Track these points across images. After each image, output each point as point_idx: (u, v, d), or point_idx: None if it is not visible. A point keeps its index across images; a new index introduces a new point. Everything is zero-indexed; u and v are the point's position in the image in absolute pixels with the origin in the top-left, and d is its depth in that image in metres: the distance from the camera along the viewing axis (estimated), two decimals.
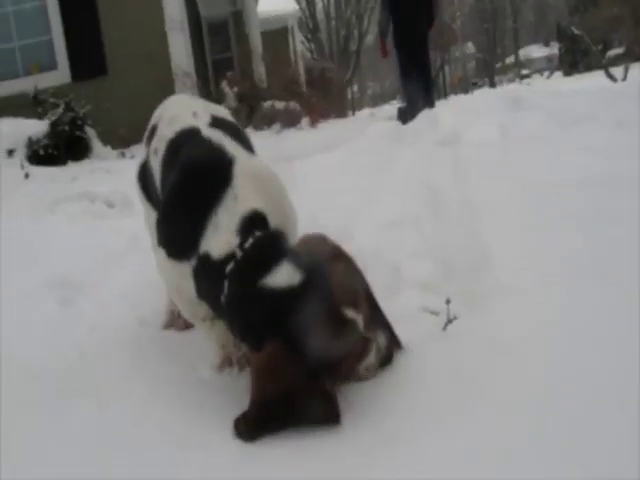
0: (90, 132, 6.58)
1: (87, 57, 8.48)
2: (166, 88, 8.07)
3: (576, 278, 1.69)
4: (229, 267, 1.33)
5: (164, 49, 8.82)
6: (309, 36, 31.91)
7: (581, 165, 2.82)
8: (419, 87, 6.60)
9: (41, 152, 5.82)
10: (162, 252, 1.50)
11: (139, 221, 2.07)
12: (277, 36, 18.96)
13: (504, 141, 3.99)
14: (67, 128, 6.19)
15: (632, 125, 3.87)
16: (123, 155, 6.58)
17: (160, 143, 1.65)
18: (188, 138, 1.56)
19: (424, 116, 6.00)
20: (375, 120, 7.61)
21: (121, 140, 6.82)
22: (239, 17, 15.29)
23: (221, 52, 16.25)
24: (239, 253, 1.32)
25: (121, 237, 2.62)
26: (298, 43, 23.48)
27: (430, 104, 6.74)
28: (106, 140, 6.93)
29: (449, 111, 5.97)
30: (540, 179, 2.68)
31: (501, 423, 1.17)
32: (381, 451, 1.17)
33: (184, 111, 1.69)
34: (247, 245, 1.32)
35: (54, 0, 8.31)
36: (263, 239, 1.33)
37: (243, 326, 1.34)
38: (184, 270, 1.42)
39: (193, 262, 1.39)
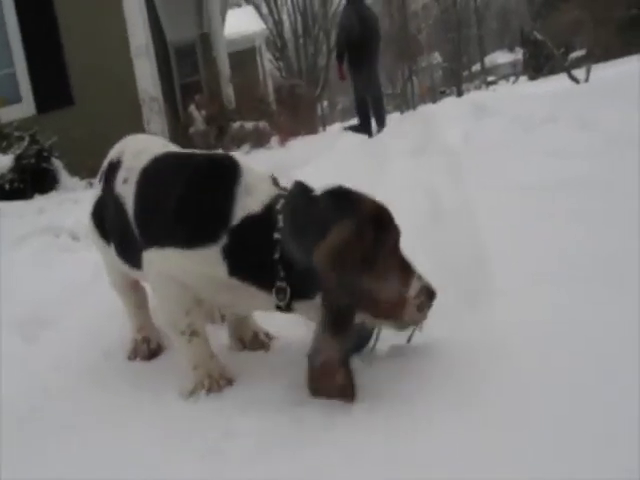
0: (57, 163, 6.50)
1: (52, 88, 8.42)
2: (134, 114, 8.05)
3: (565, 278, 1.68)
4: (280, 205, 1.45)
5: (130, 75, 8.79)
6: (277, 54, 32.13)
7: (543, 168, 2.84)
8: (372, 107, 8.01)
9: (7, 186, 5.74)
10: (171, 252, 1.51)
11: None
12: (245, 56, 19.07)
13: (468, 148, 4.02)
14: (33, 161, 6.11)
15: (594, 125, 3.93)
16: (91, 185, 6.51)
17: (130, 174, 1.71)
18: (169, 159, 1.70)
19: (391, 128, 6.04)
20: (344, 135, 7.64)
21: (89, 170, 6.75)
22: (206, 39, 15.35)
23: (189, 75, 16.30)
24: (282, 198, 1.47)
25: (85, 269, 2.57)
26: (266, 62, 23.62)
27: (382, 123, 7.89)
28: (74, 171, 6.85)
29: (415, 121, 6.03)
30: (503, 184, 2.69)
31: (498, 423, 1.17)
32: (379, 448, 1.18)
33: (151, 145, 1.82)
34: (288, 190, 1.49)
35: (16, 32, 8.26)
36: (298, 183, 1.50)
37: (310, 243, 1.38)
38: (207, 256, 1.46)
39: (223, 241, 1.45)
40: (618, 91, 5.78)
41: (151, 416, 1.51)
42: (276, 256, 1.43)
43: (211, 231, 1.47)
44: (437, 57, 42.31)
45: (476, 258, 1.99)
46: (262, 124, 9.14)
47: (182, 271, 1.53)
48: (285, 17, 33.06)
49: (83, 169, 6.88)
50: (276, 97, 15.44)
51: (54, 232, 3.30)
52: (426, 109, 8.23)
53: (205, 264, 1.48)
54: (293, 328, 1.81)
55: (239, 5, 27.41)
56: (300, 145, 8.02)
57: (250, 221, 1.46)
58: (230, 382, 1.59)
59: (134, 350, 1.92)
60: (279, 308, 1.48)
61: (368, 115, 8.25)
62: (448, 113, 5.74)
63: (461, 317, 1.65)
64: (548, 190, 2.46)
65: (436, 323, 1.55)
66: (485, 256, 1.99)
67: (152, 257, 1.56)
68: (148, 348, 1.91)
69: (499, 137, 4.13)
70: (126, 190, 1.69)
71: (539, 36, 16.53)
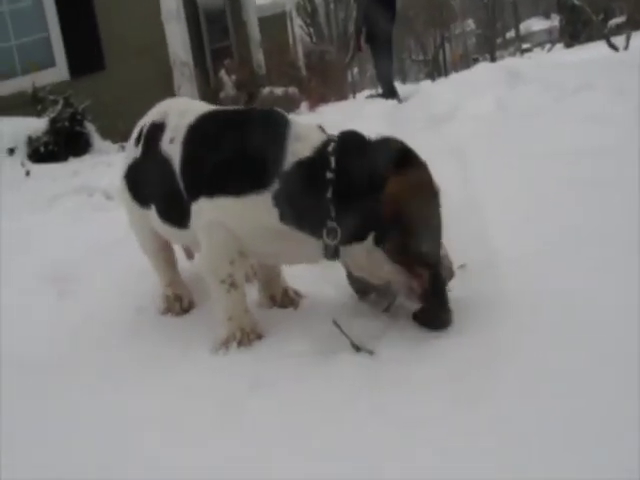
0: (90, 127, 6.57)
1: (85, 53, 8.46)
2: (164, 79, 8.06)
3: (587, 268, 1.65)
4: (331, 147, 1.50)
5: (161, 40, 8.78)
6: (308, 20, 31.64)
7: (575, 136, 2.79)
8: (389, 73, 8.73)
9: (42, 149, 5.83)
10: (222, 200, 1.55)
11: None
12: (275, 22, 18.81)
13: (500, 115, 3.96)
14: (67, 124, 6.19)
15: (632, 93, 3.83)
16: (123, 148, 6.58)
17: (177, 132, 1.73)
18: (215, 115, 1.75)
19: (422, 93, 5.96)
20: (372, 101, 7.56)
21: (121, 133, 6.81)
22: (237, 4, 15.18)
23: (219, 41, 16.14)
24: (332, 142, 1.52)
25: (118, 228, 2.62)
26: (297, 28, 23.29)
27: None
28: (106, 134, 6.92)
29: (447, 87, 5.93)
30: (535, 151, 2.66)
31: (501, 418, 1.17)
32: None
33: (194, 105, 1.87)
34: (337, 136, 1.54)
35: None
36: (348, 130, 1.57)
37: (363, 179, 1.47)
38: (258, 202, 1.51)
39: (274, 187, 1.50)
40: None
41: (179, 368, 1.56)
42: (328, 195, 1.47)
43: (261, 177, 1.52)
44: (470, 24, 41.19)
45: (493, 225, 1.98)
46: (292, 90, 9.08)
47: (233, 219, 1.57)
48: None
49: (115, 133, 6.94)
50: (306, 63, 15.28)
51: (87, 192, 3.37)
52: (459, 76, 8.08)
53: (256, 211, 1.52)
54: (320, 288, 1.85)
55: None
56: (330, 111, 7.96)
57: (301, 164, 1.51)
58: (259, 337, 1.64)
59: (167, 306, 1.97)
60: (326, 254, 1.52)
61: (391, 82, 8.75)
62: (480, 79, 5.62)
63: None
64: (576, 157, 2.42)
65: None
66: (504, 223, 1.98)
67: (202, 206, 1.60)
68: (181, 305, 1.96)
69: (532, 104, 4.06)
70: (173, 149, 1.72)
71: (576, 1, 15.97)
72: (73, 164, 5.41)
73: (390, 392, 1.30)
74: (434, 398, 1.24)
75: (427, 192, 1.47)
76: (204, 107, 1.82)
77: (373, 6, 8.17)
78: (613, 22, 18.00)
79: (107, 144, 6.75)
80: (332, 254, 1.52)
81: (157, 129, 1.81)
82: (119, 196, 2.02)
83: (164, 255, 2.02)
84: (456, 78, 7.84)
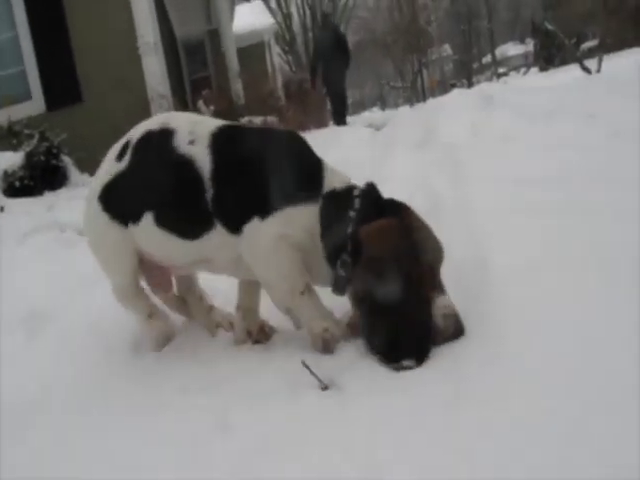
0: (66, 160, 6.54)
1: (61, 85, 8.47)
2: (142, 111, 8.07)
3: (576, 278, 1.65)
4: (356, 192, 1.63)
5: (139, 72, 8.81)
6: (286, 49, 32.04)
7: (544, 161, 2.82)
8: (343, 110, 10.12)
9: (17, 184, 5.77)
10: (290, 211, 1.58)
11: None
12: (254, 51, 19.04)
13: (474, 140, 4.00)
14: (42, 158, 6.14)
15: (602, 117, 3.89)
16: None
17: (196, 135, 1.71)
18: (241, 130, 1.80)
19: (399, 120, 6.02)
20: (352, 129, 7.63)
21: (98, 166, 6.79)
22: (215, 35, 15.35)
23: (198, 71, 16.32)
24: (356, 188, 1.66)
25: (90, 264, 2.58)
26: (275, 56, 23.57)
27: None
28: (83, 167, 6.89)
29: (423, 113, 5.99)
30: (502, 177, 2.67)
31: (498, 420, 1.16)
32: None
33: (194, 116, 1.88)
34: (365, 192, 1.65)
35: (26, 30, 8.31)
36: (371, 183, 1.70)
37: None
38: (314, 213, 1.60)
39: (320, 203, 1.62)
40: (629, 82, 5.71)
41: (146, 411, 1.53)
42: (349, 230, 1.58)
43: (316, 191, 1.62)
44: (447, 49, 41.98)
45: (473, 250, 1.98)
46: (270, 119, 9.13)
47: (297, 231, 1.60)
48: (294, 11, 32.96)
49: (92, 165, 6.91)
50: (285, 91, 15.40)
51: (60, 228, 3.32)
52: (435, 102, 8.19)
53: (310, 222, 1.61)
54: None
55: (248, 0, 27.37)
56: (309, 139, 8.00)
57: (335, 194, 1.63)
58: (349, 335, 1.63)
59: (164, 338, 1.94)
60: (336, 285, 1.60)
61: (344, 118, 10.28)
62: (456, 105, 5.69)
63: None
64: (543, 183, 2.44)
65: None
66: (482, 248, 1.97)
67: (259, 226, 1.59)
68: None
69: (505, 129, 4.10)
70: (196, 150, 1.69)
71: (550, 26, 16.33)
72: (49, 198, 5.37)
73: (360, 431, 1.27)
74: (405, 433, 1.21)
75: (390, 267, 1.49)
76: (206, 118, 1.87)
77: (327, 50, 9.30)
78: (586, 46, 18.42)
79: (84, 177, 6.70)
80: (342, 288, 1.61)
81: (159, 135, 1.76)
82: (88, 224, 1.93)
83: (139, 286, 1.94)
84: (433, 104, 7.95)
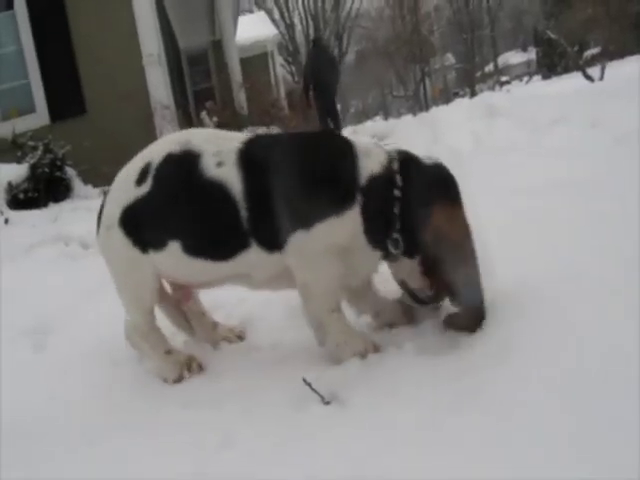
0: (70, 172, 6.57)
1: (65, 98, 8.51)
2: (146, 122, 8.10)
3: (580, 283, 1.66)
4: (395, 166, 1.62)
5: (142, 84, 8.85)
6: (289, 59, 32.22)
7: (547, 170, 2.82)
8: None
9: (21, 196, 5.80)
10: (327, 223, 1.58)
11: None
12: (257, 62, 19.14)
13: (477, 149, 4.00)
14: (47, 170, 6.17)
15: (604, 125, 3.90)
16: (105, 193, 6.57)
17: (223, 156, 1.66)
18: (267, 141, 1.77)
19: (401, 129, 6.03)
20: (355, 139, 7.63)
21: (103, 177, 6.81)
22: (218, 46, 15.43)
23: (202, 82, 16.41)
24: (394, 160, 1.64)
25: (93, 277, 2.59)
26: (279, 67, 23.67)
27: None
28: (87, 179, 6.92)
29: (425, 123, 6.01)
30: (504, 186, 2.67)
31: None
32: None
33: (215, 132, 1.82)
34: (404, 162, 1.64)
35: (30, 43, 8.37)
36: (403, 150, 1.71)
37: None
38: (353, 217, 1.59)
39: (359, 201, 1.59)
40: (631, 90, 5.72)
41: (152, 426, 1.52)
42: (396, 210, 1.60)
43: (351, 193, 1.60)
44: (450, 58, 42.11)
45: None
46: (274, 129, 9.17)
47: (339, 239, 1.60)
48: (297, 21, 33.16)
49: (96, 177, 6.94)
50: (288, 101, 15.47)
51: (64, 241, 3.34)
52: (438, 111, 8.21)
53: (350, 225, 1.60)
54: (295, 335, 1.83)
55: (251, 11, 27.52)
56: None
57: (375, 180, 1.61)
58: (378, 349, 1.66)
59: (180, 373, 1.80)
60: (387, 258, 1.66)
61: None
62: (458, 115, 5.71)
63: None
64: (547, 192, 2.44)
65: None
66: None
67: (302, 239, 1.58)
68: (192, 366, 1.83)
69: (507, 139, 4.11)
70: (225, 173, 1.64)
71: (552, 35, 16.39)
72: (53, 210, 5.39)
73: (363, 445, 1.26)
74: (408, 448, 1.21)
75: (461, 229, 1.61)
76: (224, 132, 1.80)
77: (320, 69, 9.85)
78: (588, 53, 18.44)
79: (88, 189, 6.73)
80: (388, 259, 1.68)
81: (183, 159, 1.70)
82: (107, 247, 1.80)
83: (155, 323, 1.87)
84: (435, 113, 7.97)
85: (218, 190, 1.64)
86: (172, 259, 1.71)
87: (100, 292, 2.48)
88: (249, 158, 1.66)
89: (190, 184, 1.68)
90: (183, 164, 1.69)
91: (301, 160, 1.65)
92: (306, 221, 1.58)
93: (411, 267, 1.69)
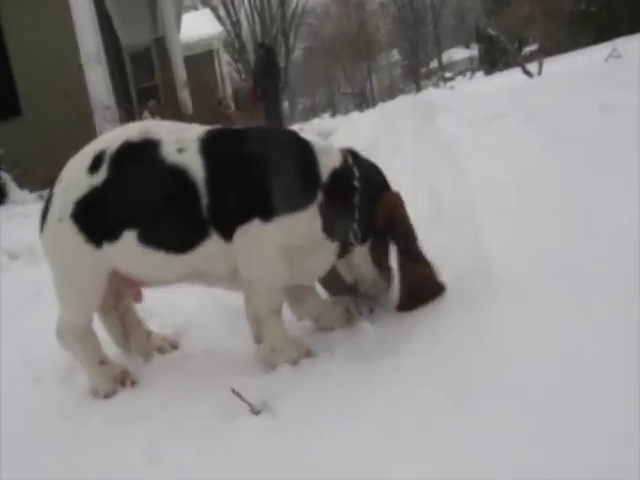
0: (5, 177, 6.32)
1: None
2: (85, 123, 7.87)
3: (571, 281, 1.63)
4: (350, 159, 1.69)
5: (81, 83, 8.60)
6: (236, 56, 31.94)
7: (486, 166, 2.85)
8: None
9: None
10: (285, 219, 1.56)
11: (43, 271, 1.92)
12: (202, 59, 18.89)
13: (417, 148, 4.03)
14: None
15: (540, 121, 3.97)
16: (42, 197, 6.34)
17: (184, 144, 1.61)
18: (228, 133, 1.72)
19: (346, 127, 6.04)
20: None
21: (39, 182, 6.59)
22: (162, 43, 15.15)
23: (145, 80, 16.07)
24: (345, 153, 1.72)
25: (22, 291, 2.48)
26: (225, 65, 23.43)
27: None
28: (23, 183, 6.68)
29: (369, 121, 6.03)
30: (444, 183, 2.69)
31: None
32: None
33: (180, 125, 1.74)
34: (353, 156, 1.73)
35: None
36: (348, 147, 1.78)
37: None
38: (311, 215, 1.60)
39: (320, 198, 1.61)
40: (566, 85, 5.87)
41: (72, 445, 1.46)
42: (355, 200, 1.66)
43: (314, 189, 1.61)
44: (396, 55, 42.57)
45: None
46: None
47: (296, 236, 1.59)
48: (243, 18, 32.90)
49: (33, 181, 6.71)
50: (235, 99, 15.33)
51: None
52: (382, 108, 8.27)
53: (309, 223, 1.60)
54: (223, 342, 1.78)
55: (195, 8, 27.17)
56: None
57: (337, 175, 1.65)
58: (310, 354, 1.65)
59: (113, 388, 1.71)
60: (341, 253, 1.70)
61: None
62: (400, 112, 5.75)
63: None
64: (487, 188, 2.46)
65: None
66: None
67: (258, 229, 1.55)
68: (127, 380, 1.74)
69: (447, 135, 4.14)
70: (187, 158, 1.58)
71: (493, 32, 16.75)
72: None
73: (293, 454, 1.23)
74: (338, 457, 1.18)
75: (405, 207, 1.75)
76: (182, 124, 1.74)
77: (261, 69, 10.83)
78: (527, 50, 18.93)
79: (24, 193, 6.50)
80: (344, 252, 1.71)
81: (142, 146, 1.62)
82: (54, 242, 1.68)
83: (92, 329, 1.76)
84: (380, 110, 8.03)
85: (178, 176, 1.58)
86: (128, 250, 1.62)
87: (27, 306, 2.39)
88: (212, 146, 1.62)
89: (149, 170, 1.62)
90: (142, 151, 1.63)
91: (267, 152, 1.64)
92: (266, 212, 1.55)
93: (364, 255, 1.74)
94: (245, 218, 1.55)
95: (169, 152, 1.60)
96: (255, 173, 1.59)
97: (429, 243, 1.78)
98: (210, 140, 1.63)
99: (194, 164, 1.58)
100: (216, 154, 1.61)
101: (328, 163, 1.65)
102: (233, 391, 1.45)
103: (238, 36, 32.22)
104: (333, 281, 1.89)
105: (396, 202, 1.73)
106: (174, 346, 1.92)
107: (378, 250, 1.74)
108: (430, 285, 1.72)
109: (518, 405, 1.16)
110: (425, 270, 1.72)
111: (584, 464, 0.98)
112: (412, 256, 1.71)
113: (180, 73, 13.56)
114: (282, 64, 32.00)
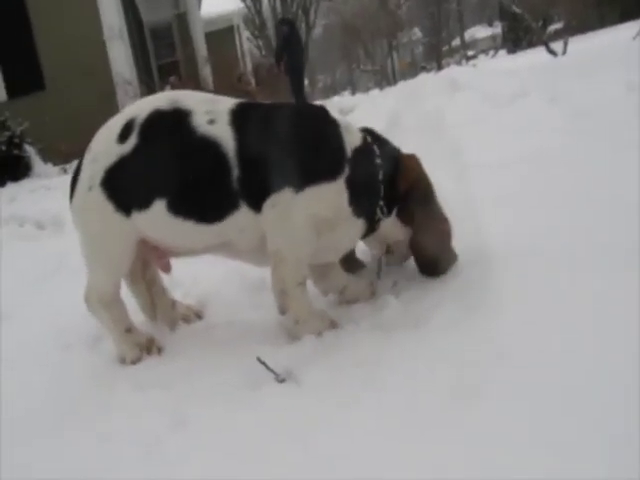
0: (29, 150, 6.40)
1: (23, 73, 8.28)
2: (108, 99, 7.92)
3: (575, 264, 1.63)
4: (369, 137, 1.72)
5: (104, 59, 8.64)
6: (256, 33, 31.72)
7: (507, 145, 2.83)
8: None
9: None
10: (318, 188, 1.59)
11: (70, 241, 1.96)
12: (223, 36, 18.79)
13: (440, 124, 4.00)
14: (4, 148, 6.01)
15: (563, 100, 3.92)
16: (65, 171, 6.43)
17: (215, 115, 1.63)
18: (260, 107, 1.73)
19: (367, 104, 6.00)
20: None
21: (63, 155, 6.66)
22: (183, 19, 15.11)
23: (166, 56, 16.05)
24: (365, 132, 1.75)
25: (48, 259, 2.54)
26: (245, 41, 23.29)
27: None
28: (47, 157, 6.76)
29: (390, 98, 5.99)
30: (465, 161, 2.68)
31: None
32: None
33: (211, 96, 1.76)
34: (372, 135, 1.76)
35: None
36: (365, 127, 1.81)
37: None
38: (340, 187, 1.63)
39: (346, 172, 1.64)
40: (591, 64, 5.78)
41: (100, 412, 1.49)
42: (380, 177, 1.70)
43: (341, 163, 1.65)
44: (417, 32, 41.95)
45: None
46: None
47: (327, 207, 1.62)
48: None
49: (57, 155, 6.79)
50: (255, 76, 15.27)
51: (18, 222, 3.25)
52: (403, 86, 8.19)
53: (338, 195, 1.64)
54: (248, 314, 1.81)
55: None
56: None
57: (359, 152, 1.68)
58: (335, 325, 1.68)
59: (139, 354, 1.75)
60: (368, 230, 1.74)
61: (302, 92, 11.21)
62: (423, 89, 5.70)
63: None
64: (505, 167, 2.45)
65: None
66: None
67: (289, 198, 1.57)
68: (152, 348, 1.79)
69: (470, 113, 4.12)
70: (218, 130, 1.60)
71: (517, 9, 16.39)
72: (11, 189, 5.25)
73: (318, 424, 1.26)
74: (360, 428, 1.21)
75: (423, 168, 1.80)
76: (213, 95, 1.77)
77: (286, 44, 10.71)
78: (552, 28, 18.55)
79: (48, 167, 6.58)
80: (372, 229, 1.76)
81: (173, 115, 1.63)
82: (85, 210, 1.70)
83: (119, 295, 1.79)
84: (401, 88, 7.95)
85: (209, 147, 1.60)
86: (157, 219, 1.64)
87: (55, 274, 2.44)
88: (243, 118, 1.64)
89: (179, 140, 1.62)
90: (172, 120, 1.64)
91: (298, 124, 1.68)
92: (298, 181, 1.57)
93: (393, 224, 1.78)
94: (276, 188, 1.57)
95: (200, 123, 1.61)
96: (287, 144, 1.61)
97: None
98: (241, 113, 1.65)
99: (225, 136, 1.60)
100: (248, 127, 1.62)
101: (351, 140, 1.68)
102: (259, 360, 1.48)
103: (258, 12, 31.93)
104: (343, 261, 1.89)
105: (415, 166, 1.78)
106: (199, 316, 1.96)
107: (407, 213, 1.77)
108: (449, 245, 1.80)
109: (518, 404, 1.16)
110: (447, 227, 1.78)
111: (584, 464, 0.99)
112: (434, 215, 1.77)
113: (201, 49, 13.53)
114: (303, 41, 31.71)
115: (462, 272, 1.75)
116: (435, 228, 1.76)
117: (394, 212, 1.76)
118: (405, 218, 1.78)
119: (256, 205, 1.60)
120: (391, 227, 1.79)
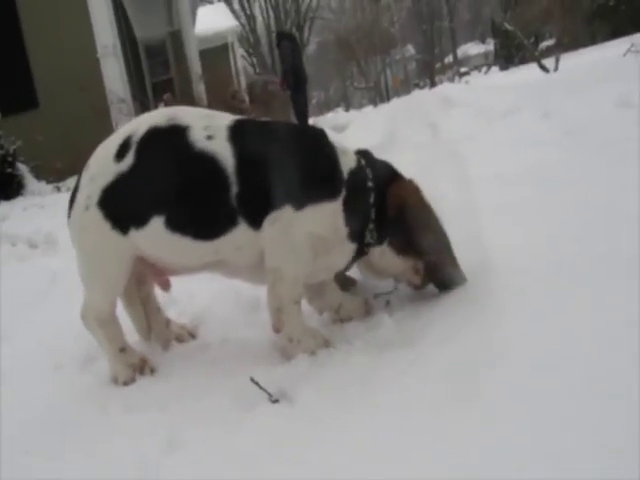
0: (22, 168, 6.39)
1: (16, 91, 8.27)
2: (101, 116, 7.92)
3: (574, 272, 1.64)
4: (363, 161, 1.72)
5: (97, 76, 8.65)
6: (250, 50, 31.99)
7: (501, 160, 2.84)
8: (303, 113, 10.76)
9: None
10: (317, 207, 1.61)
11: (62, 259, 1.94)
12: (217, 53, 18.91)
13: (434, 140, 4.02)
14: None
15: (556, 116, 3.94)
16: (58, 189, 6.42)
17: (213, 131, 1.62)
18: (257, 124, 1.74)
19: (361, 121, 6.03)
20: None
21: (56, 173, 6.66)
22: (177, 37, 15.19)
23: (161, 74, 16.12)
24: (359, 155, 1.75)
25: (41, 279, 2.52)
26: (239, 58, 23.45)
27: None
28: (41, 175, 6.74)
29: (384, 115, 6.02)
30: (462, 176, 2.69)
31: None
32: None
33: (209, 112, 1.77)
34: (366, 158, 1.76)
35: None
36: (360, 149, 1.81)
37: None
38: (338, 208, 1.65)
39: (343, 194, 1.65)
40: (583, 80, 5.82)
41: (93, 433, 1.47)
42: (371, 200, 1.69)
43: (339, 183, 1.66)
44: (410, 49, 42.33)
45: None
46: None
47: (325, 227, 1.63)
48: (257, 12, 32.91)
49: (50, 173, 6.78)
50: (249, 93, 15.33)
51: (11, 241, 3.23)
52: (397, 102, 8.24)
53: (335, 215, 1.65)
54: (242, 333, 1.79)
55: (211, 2, 27.17)
56: None
57: (354, 174, 1.69)
58: (328, 344, 1.66)
59: (133, 375, 1.73)
60: (359, 254, 1.73)
61: (306, 121, 10.87)
62: (416, 106, 5.73)
63: None
64: (502, 182, 2.46)
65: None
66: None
67: (289, 216, 1.58)
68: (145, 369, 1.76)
69: (464, 129, 4.13)
70: (215, 145, 1.60)
71: (509, 26, 16.58)
72: (3, 208, 5.22)
73: (312, 443, 1.25)
74: (355, 448, 1.19)
75: (420, 194, 1.76)
76: (212, 111, 1.78)
77: (289, 59, 10.45)
78: (544, 45, 18.74)
79: (41, 185, 6.57)
80: (361, 253, 1.74)
81: (170, 132, 1.63)
82: (82, 229, 1.69)
83: (115, 314, 1.77)
84: (395, 105, 8.00)
85: (207, 163, 1.59)
86: (154, 236, 1.63)
87: (48, 294, 2.42)
88: (241, 134, 1.63)
89: (177, 156, 1.62)
90: (170, 136, 1.63)
91: (299, 143, 1.70)
92: (299, 199, 1.58)
93: (381, 253, 1.76)
94: (277, 205, 1.57)
95: (198, 138, 1.61)
96: (288, 162, 1.62)
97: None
98: (240, 129, 1.65)
99: (224, 152, 1.60)
100: (247, 143, 1.62)
101: (347, 162, 1.69)
102: (252, 380, 1.46)
103: (252, 30, 32.26)
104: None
105: (404, 192, 1.73)
106: (192, 335, 1.94)
107: (399, 242, 1.74)
108: (440, 278, 1.75)
109: (514, 416, 1.15)
110: (440, 260, 1.73)
111: (585, 464, 0.98)
112: (424, 246, 1.72)
113: (195, 66, 13.58)
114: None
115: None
116: (435, 252, 1.73)
117: (385, 242, 1.74)
118: (397, 246, 1.75)
119: (254, 222, 1.59)
120: (381, 256, 1.76)
